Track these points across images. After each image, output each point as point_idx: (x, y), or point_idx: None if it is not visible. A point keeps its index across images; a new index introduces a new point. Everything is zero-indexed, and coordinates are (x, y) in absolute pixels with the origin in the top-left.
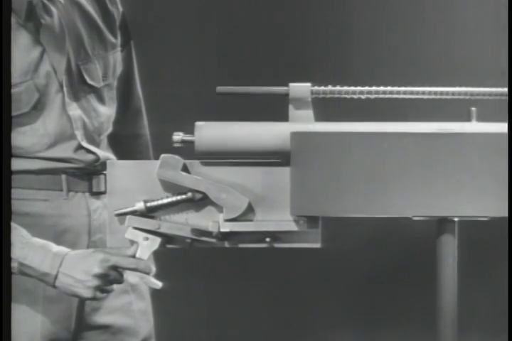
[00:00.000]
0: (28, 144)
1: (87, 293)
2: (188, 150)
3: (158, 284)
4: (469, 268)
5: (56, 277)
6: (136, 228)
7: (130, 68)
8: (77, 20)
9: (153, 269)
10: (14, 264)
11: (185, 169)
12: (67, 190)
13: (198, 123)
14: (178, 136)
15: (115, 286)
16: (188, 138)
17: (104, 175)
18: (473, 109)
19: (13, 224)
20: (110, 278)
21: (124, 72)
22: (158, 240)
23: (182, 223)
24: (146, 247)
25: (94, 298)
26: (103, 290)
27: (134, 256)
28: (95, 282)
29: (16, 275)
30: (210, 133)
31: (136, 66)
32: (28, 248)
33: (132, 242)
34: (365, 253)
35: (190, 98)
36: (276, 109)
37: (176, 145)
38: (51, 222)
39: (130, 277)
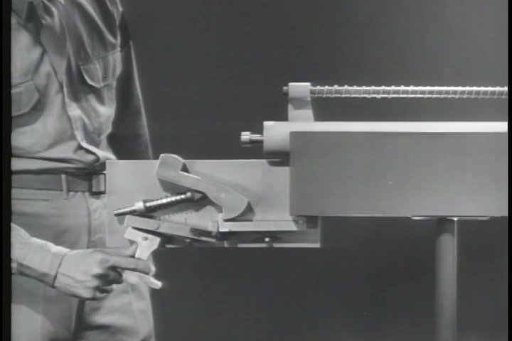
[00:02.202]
0: (28, 144)
1: (86, 293)
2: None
3: (158, 284)
4: (469, 268)
5: (55, 277)
6: (135, 228)
7: (129, 68)
8: (78, 21)
9: (153, 269)
10: (13, 264)
11: (184, 169)
12: (67, 189)
13: (267, 123)
14: (246, 136)
15: (115, 286)
16: (256, 137)
17: (104, 174)
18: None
19: (12, 225)
20: (109, 278)
21: (123, 72)
22: (157, 240)
23: (181, 223)
24: (146, 247)
25: (93, 298)
26: (102, 291)
27: (133, 256)
28: (95, 282)
29: (15, 276)
30: (279, 132)
31: (135, 66)
32: (27, 248)
33: (131, 242)
34: (364, 253)
35: (189, 98)
36: (275, 109)
37: (244, 145)
38: (51, 221)
39: (130, 277)
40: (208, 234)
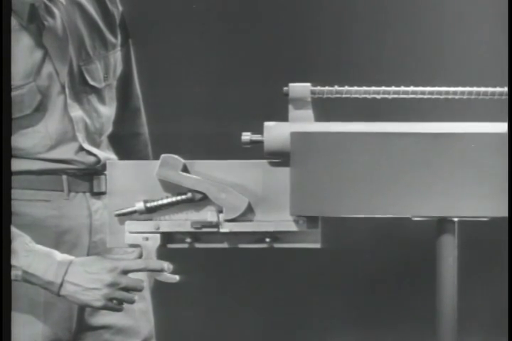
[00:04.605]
0: (30, 145)
1: (96, 302)
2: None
3: (176, 277)
4: (469, 268)
5: (61, 285)
6: (133, 231)
7: (129, 67)
8: (78, 21)
9: (165, 266)
10: (18, 272)
11: (185, 169)
12: (68, 190)
13: (268, 124)
14: (246, 136)
15: (137, 297)
16: (256, 138)
17: (105, 175)
18: None
19: (17, 231)
20: (121, 286)
21: (122, 71)
22: (158, 236)
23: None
24: (149, 246)
25: (105, 307)
26: (118, 300)
27: (140, 258)
28: (105, 291)
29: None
30: (279, 133)
31: (134, 65)
32: (32, 256)
33: (134, 246)
34: (364, 254)
35: (189, 98)
36: (275, 109)
37: (244, 146)
38: (52, 222)
39: (131, 276)
40: (209, 224)
